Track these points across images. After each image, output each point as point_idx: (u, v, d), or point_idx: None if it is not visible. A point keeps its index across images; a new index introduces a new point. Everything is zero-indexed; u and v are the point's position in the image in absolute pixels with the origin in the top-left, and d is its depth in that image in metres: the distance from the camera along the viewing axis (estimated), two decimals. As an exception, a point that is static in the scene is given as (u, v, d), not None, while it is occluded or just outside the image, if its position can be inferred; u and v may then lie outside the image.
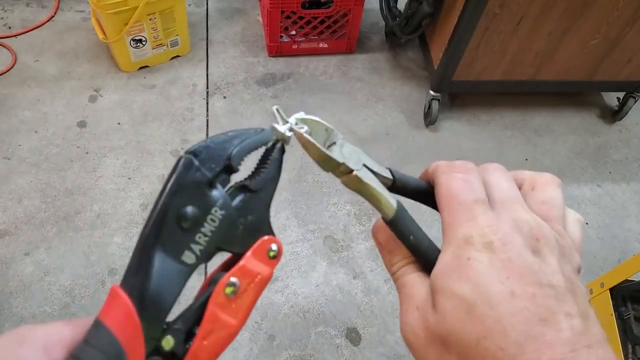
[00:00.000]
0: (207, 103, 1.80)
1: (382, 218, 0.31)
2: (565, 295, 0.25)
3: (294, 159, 1.68)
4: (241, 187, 0.29)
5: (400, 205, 0.30)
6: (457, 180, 0.29)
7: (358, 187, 0.31)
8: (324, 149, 0.29)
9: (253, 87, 1.87)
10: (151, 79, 1.85)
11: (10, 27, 1.94)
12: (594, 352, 0.23)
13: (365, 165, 0.32)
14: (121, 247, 1.44)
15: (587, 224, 1.66)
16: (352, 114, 1.84)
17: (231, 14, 2.11)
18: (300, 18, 1.84)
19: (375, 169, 0.32)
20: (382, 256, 0.32)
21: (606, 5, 1.48)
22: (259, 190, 0.30)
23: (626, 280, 1.22)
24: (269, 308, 1.38)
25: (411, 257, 0.31)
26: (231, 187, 0.29)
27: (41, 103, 1.74)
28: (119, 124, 1.71)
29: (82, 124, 1.70)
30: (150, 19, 1.71)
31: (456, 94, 1.93)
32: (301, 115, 0.30)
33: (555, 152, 1.83)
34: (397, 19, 1.86)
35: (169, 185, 0.27)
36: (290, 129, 0.30)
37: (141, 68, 1.86)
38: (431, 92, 1.74)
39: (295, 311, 1.38)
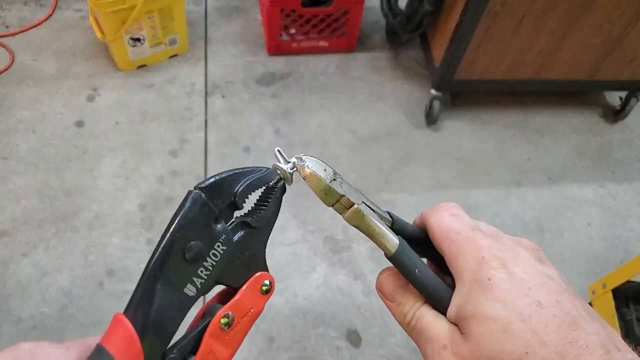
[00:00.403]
0: (206, 102, 1.79)
1: (385, 255, 0.31)
2: (575, 299, 0.26)
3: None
4: (242, 223, 0.31)
5: (401, 240, 0.31)
6: (446, 216, 0.30)
7: (359, 221, 0.32)
8: (326, 181, 0.31)
9: (252, 86, 1.86)
10: (149, 78, 1.83)
11: (7, 26, 1.93)
12: (623, 355, 0.24)
13: (364, 203, 0.33)
14: (119, 248, 1.43)
15: (589, 224, 1.65)
16: (352, 113, 1.82)
17: (230, 12, 2.10)
18: (300, 16, 1.83)
19: (374, 208, 0.33)
20: (391, 312, 0.32)
21: (608, 4, 1.47)
22: (259, 228, 0.31)
23: (628, 281, 1.21)
24: (269, 309, 1.37)
25: (421, 298, 0.30)
26: (233, 222, 0.31)
27: (39, 102, 1.73)
28: (117, 123, 1.70)
29: (80, 124, 1.69)
30: (148, 18, 1.70)
31: (457, 93, 1.92)
32: (301, 155, 0.32)
33: (557, 152, 1.82)
34: (398, 17, 1.84)
35: (177, 219, 0.28)
36: (294, 165, 0.32)
37: (139, 67, 1.85)
38: (432, 91, 1.73)
39: (295, 312, 1.37)
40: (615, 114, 1.93)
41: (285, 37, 1.91)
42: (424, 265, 0.30)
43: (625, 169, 1.81)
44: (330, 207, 0.32)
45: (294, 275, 1.43)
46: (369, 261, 1.48)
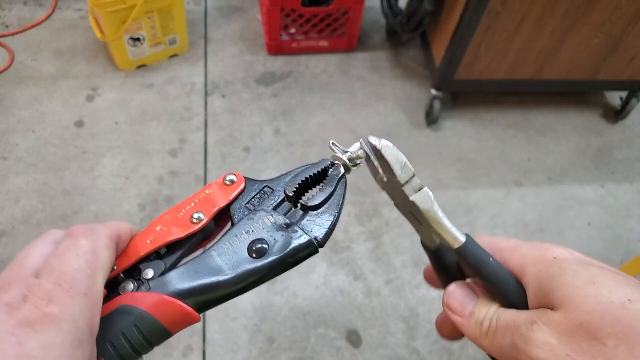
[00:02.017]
0: (206, 102, 1.79)
1: (451, 247, 0.30)
2: None
3: (293, 160, 1.67)
4: (302, 207, 0.32)
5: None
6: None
7: (429, 205, 0.31)
8: (403, 156, 0.32)
9: (252, 85, 1.85)
10: (149, 77, 1.83)
11: (7, 26, 1.92)
12: None
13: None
14: (119, 248, 1.42)
15: (589, 224, 1.65)
16: (352, 113, 1.82)
17: (230, 12, 2.10)
18: (300, 16, 1.82)
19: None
20: (463, 327, 0.30)
21: (608, 4, 1.47)
22: (320, 210, 0.32)
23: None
24: (269, 310, 1.36)
25: (495, 302, 0.29)
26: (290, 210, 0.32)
27: (38, 102, 1.72)
28: (116, 123, 1.70)
29: (79, 124, 1.69)
30: (148, 17, 1.70)
31: (458, 92, 1.91)
32: (358, 144, 0.34)
33: (558, 152, 1.82)
34: (398, 16, 1.84)
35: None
36: (360, 147, 0.34)
37: (139, 67, 1.84)
38: (432, 90, 1.73)
39: (295, 313, 1.37)
40: (616, 114, 1.93)
41: (285, 37, 1.91)
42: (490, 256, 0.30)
43: (626, 169, 1.80)
44: (401, 186, 0.31)
45: (293, 275, 1.43)
46: (369, 261, 1.47)
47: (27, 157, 1.59)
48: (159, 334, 0.28)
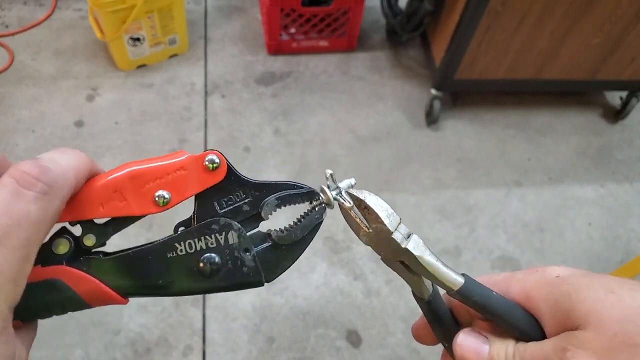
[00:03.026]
0: (206, 102, 1.79)
1: (448, 292, 0.30)
2: None
3: (293, 160, 1.67)
4: (267, 235, 0.31)
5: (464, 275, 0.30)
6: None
7: (421, 252, 0.30)
8: (387, 204, 0.30)
9: (252, 85, 1.85)
10: (149, 77, 1.83)
11: (7, 26, 1.92)
12: None
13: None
14: (119, 248, 1.42)
15: (589, 224, 1.65)
16: (352, 113, 1.82)
17: (230, 12, 2.10)
18: (300, 16, 1.82)
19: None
20: None
21: (609, 4, 1.47)
22: (284, 245, 0.30)
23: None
24: (268, 310, 1.36)
25: (510, 339, 0.29)
26: (257, 231, 0.30)
27: (38, 102, 1.72)
28: (116, 123, 1.70)
29: (79, 124, 1.69)
30: (148, 17, 1.70)
31: (458, 92, 1.91)
32: (352, 181, 0.32)
33: (558, 152, 1.82)
34: (398, 17, 1.84)
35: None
36: (349, 194, 0.31)
37: (139, 67, 1.84)
38: (433, 90, 1.73)
39: (294, 313, 1.37)
40: (616, 114, 1.93)
41: (285, 37, 1.91)
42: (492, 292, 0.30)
43: (626, 169, 1.80)
44: (390, 234, 0.30)
45: (293, 275, 1.43)
46: (369, 261, 1.47)
47: (27, 157, 1.57)
48: (82, 309, 0.28)
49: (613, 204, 1.71)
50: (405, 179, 1.66)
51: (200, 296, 1.37)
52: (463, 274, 0.30)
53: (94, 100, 1.75)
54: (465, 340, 0.30)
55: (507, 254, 1.54)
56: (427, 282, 0.32)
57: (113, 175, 0.27)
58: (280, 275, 0.30)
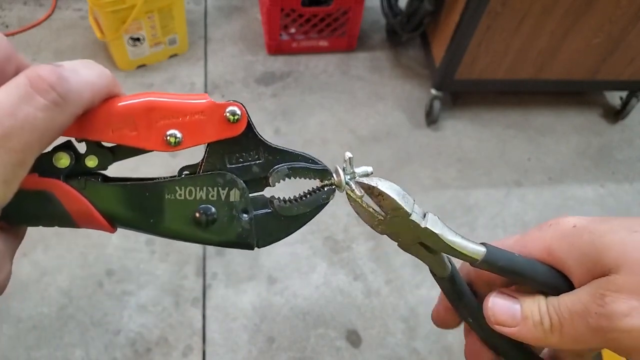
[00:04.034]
0: (206, 102, 1.79)
1: (472, 264, 0.30)
2: None
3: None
4: (269, 202, 0.30)
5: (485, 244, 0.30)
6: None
7: (441, 229, 0.30)
8: (399, 187, 0.30)
9: (252, 85, 1.85)
10: (149, 77, 1.83)
11: (7, 26, 1.92)
12: None
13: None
14: (119, 248, 1.43)
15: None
16: (352, 113, 1.82)
17: (230, 12, 2.10)
18: (300, 16, 1.82)
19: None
20: (522, 336, 0.28)
21: (608, 4, 1.47)
22: (283, 217, 0.30)
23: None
24: (268, 310, 1.36)
25: (540, 294, 0.29)
26: (261, 194, 0.30)
27: (38, 102, 1.72)
28: (117, 123, 1.70)
29: (79, 123, 1.69)
30: (148, 17, 1.70)
31: (458, 92, 1.91)
32: (369, 169, 0.31)
33: (558, 152, 1.82)
34: (398, 16, 1.84)
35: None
36: (359, 183, 0.30)
37: (139, 67, 1.84)
38: (433, 90, 1.73)
39: (294, 313, 1.37)
40: (616, 114, 1.93)
41: (285, 37, 1.91)
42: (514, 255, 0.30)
43: (626, 169, 1.80)
44: (409, 216, 0.30)
45: (293, 275, 1.43)
46: (369, 261, 1.47)
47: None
48: (70, 227, 0.28)
49: (613, 204, 1.71)
50: (405, 179, 1.66)
51: (200, 296, 1.37)
52: (482, 243, 0.30)
53: (94, 100, 1.75)
54: (496, 302, 0.29)
55: (507, 254, 1.54)
56: (446, 259, 0.32)
57: (130, 102, 0.26)
58: (271, 244, 0.30)
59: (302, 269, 1.44)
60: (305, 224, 0.30)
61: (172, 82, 1.83)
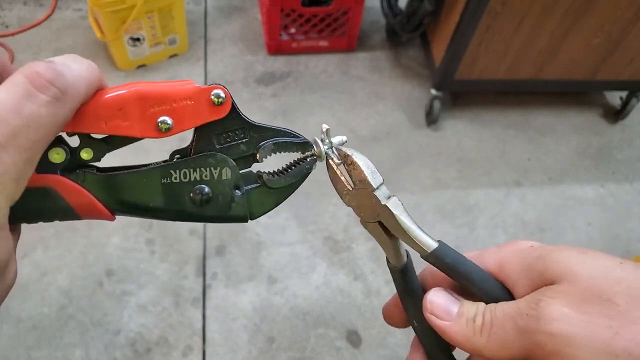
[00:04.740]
0: (206, 102, 1.79)
1: (422, 255, 0.30)
2: None
3: (294, 158, 1.67)
4: (258, 176, 0.32)
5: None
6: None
7: (400, 211, 0.30)
8: (372, 163, 0.31)
9: (252, 85, 1.85)
10: (149, 77, 1.83)
11: (7, 26, 1.92)
12: None
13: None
14: (118, 248, 1.43)
15: (589, 224, 1.65)
16: (352, 113, 1.82)
17: (230, 12, 2.10)
18: (300, 16, 1.82)
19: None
20: (450, 332, 0.28)
21: (608, 4, 1.47)
22: (273, 188, 0.32)
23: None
24: (268, 310, 1.36)
25: (481, 298, 0.29)
26: (249, 170, 0.31)
27: (38, 102, 1.72)
28: (117, 123, 1.70)
29: (79, 123, 1.69)
30: (148, 17, 1.70)
31: (458, 92, 1.91)
32: (344, 138, 0.33)
33: (558, 152, 1.82)
34: (398, 16, 1.84)
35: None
36: (337, 150, 0.32)
37: (139, 67, 1.84)
38: (432, 90, 1.73)
39: (294, 313, 1.37)
40: (616, 114, 1.93)
41: (285, 37, 1.91)
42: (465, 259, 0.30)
43: (626, 169, 1.80)
44: (373, 191, 0.31)
45: (293, 275, 1.43)
46: (369, 261, 1.47)
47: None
48: (71, 219, 0.28)
49: (613, 203, 1.71)
50: (405, 179, 1.66)
51: (200, 296, 1.37)
52: (440, 241, 0.30)
53: (94, 100, 1.75)
54: (435, 296, 0.30)
55: (507, 254, 1.54)
56: (403, 250, 0.32)
57: (120, 92, 0.27)
58: (263, 215, 0.32)
59: (302, 269, 1.44)
60: (292, 193, 0.32)
61: (172, 82, 1.82)
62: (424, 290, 0.32)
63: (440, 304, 0.29)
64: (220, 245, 1.46)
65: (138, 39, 1.74)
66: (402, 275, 0.33)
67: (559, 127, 1.89)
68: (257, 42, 1.99)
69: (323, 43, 1.95)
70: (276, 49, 1.93)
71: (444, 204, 1.62)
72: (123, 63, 1.81)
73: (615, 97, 1.98)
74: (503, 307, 0.27)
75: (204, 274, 1.41)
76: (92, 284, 1.36)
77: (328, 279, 1.43)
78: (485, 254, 0.30)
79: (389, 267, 0.34)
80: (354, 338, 1.35)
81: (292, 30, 1.90)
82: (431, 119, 1.79)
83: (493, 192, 1.68)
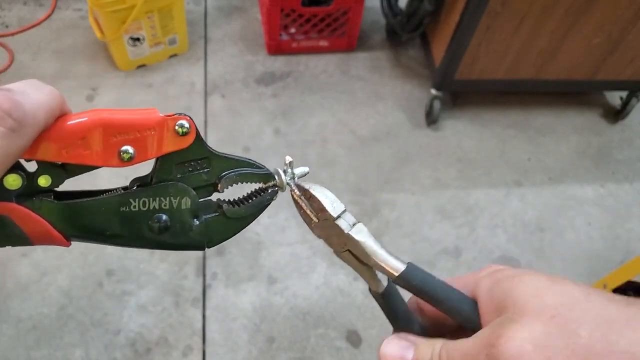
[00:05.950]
0: (206, 102, 1.79)
1: (392, 281, 0.30)
2: None
3: (294, 158, 1.67)
4: (218, 206, 0.31)
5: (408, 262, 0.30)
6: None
7: (364, 237, 0.30)
8: (332, 194, 0.30)
9: (252, 85, 1.85)
10: (149, 77, 1.83)
11: (7, 26, 1.92)
12: None
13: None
14: (118, 248, 1.42)
15: (589, 224, 1.65)
16: (352, 113, 1.82)
17: (230, 12, 2.10)
18: (300, 16, 1.82)
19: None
20: None
21: (608, 4, 1.47)
22: (231, 218, 0.32)
23: (629, 282, 1.20)
24: (268, 310, 1.36)
25: (438, 339, 0.28)
26: (209, 199, 0.31)
27: (38, 102, 1.72)
28: (117, 123, 1.70)
29: (79, 124, 1.69)
30: (148, 17, 1.70)
31: (458, 92, 1.91)
32: (306, 169, 0.33)
33: (558, 152, 1.82)
34: (398, 16, 1.84)
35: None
36: (299, 179, 0.32)
37: (139, 67, 1.84)
38: (433, 90, 1.73)
39: (295, 313, 1.37)
40: (616, 114, 1.93)
41: (285, 37, 1.91)
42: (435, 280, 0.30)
43: (626, 169, 1.80)
44: (334, 220, 0.31)
45: (293, 275, 1.43)
46: (369, 261, 1.47)
47: (27, 157, 1.59)
48: (24, 245, 0.28)
49: (613, 204, 1.71)
50: (405, 179, 1.66)
51: (200, 296, 1.37)
52: (409, 262, 0.30)
53: (94, 101, 1.75)
54: (388, 347, 0.29)
55: (507, 254, 1.54)
56: (381, 275, 0.32)
57: (82, 120, 0.26)
58: (220, 243, 0.32)
59: (302, 269, 1.44)
60: (250, 223, 0.32)
61: (172, 82, 1.83)
62: (413, 312, 0.32)
63: (394, 353, 0.29)
64: (220, 246, 1.46)
65: (138, 39, 1.74)
66: (384, 300, 0.33)
67: (559, 127, 1.89)
68: (257, 42, 1.99)
69: (323, 43, 1.95)
70: (276, 49, 1.93)
71: (444, 204, 1.62)
72: (123, 63, 1.81)
73: (615, 97, 1.98)
74: (462, 346, 0.26)
75: (204, 274, 1.41)
76: (92, 284, 1.36)
77: (328, 279, 1.43)
78: (465, 277, 0.30)
79: (370, 292, 0.34)
80: (354, 338, 1.35)
81: (292, 30, 1.90)
82: (431, 119, 1.79)
83: (493, 192, 1.68)
